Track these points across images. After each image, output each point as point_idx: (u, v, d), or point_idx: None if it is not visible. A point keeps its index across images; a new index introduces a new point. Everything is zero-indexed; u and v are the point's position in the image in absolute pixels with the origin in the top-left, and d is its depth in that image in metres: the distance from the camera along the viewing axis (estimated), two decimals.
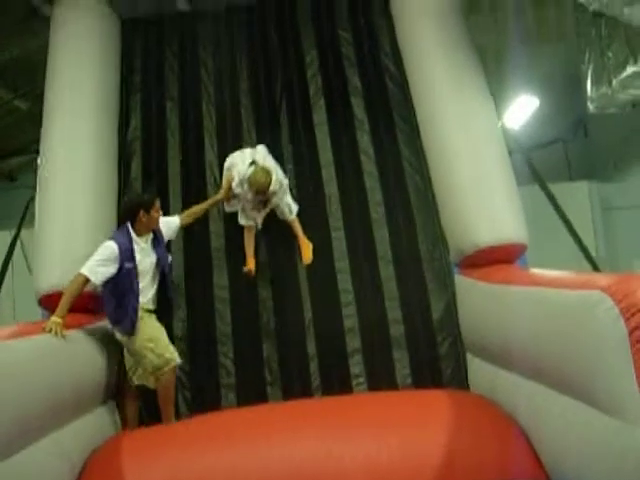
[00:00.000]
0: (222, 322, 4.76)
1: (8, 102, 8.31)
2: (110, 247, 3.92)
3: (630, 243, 7.88)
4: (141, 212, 4.03)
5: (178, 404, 4.43)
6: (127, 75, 5.57)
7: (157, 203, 4.13)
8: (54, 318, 3.67)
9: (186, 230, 4.73)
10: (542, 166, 10.41)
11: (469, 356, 4.41)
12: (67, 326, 3.71)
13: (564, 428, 3.04)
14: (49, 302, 4.14)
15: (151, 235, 4.18)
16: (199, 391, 4.58)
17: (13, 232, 6.20)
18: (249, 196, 4.61)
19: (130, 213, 4.06)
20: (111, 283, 3.94)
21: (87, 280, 3.85)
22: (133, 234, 4.03)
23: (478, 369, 4.26)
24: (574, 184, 8.17)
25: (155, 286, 4.19)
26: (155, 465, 3.37)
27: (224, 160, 4.92)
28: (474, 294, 4.24)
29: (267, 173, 4.52)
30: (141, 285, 4.05)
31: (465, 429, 3.40)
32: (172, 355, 4.02)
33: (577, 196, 7.86)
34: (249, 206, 4.71)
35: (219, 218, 5.01)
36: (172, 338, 4.39)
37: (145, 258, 4.09)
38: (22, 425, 2.97)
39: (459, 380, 4.41)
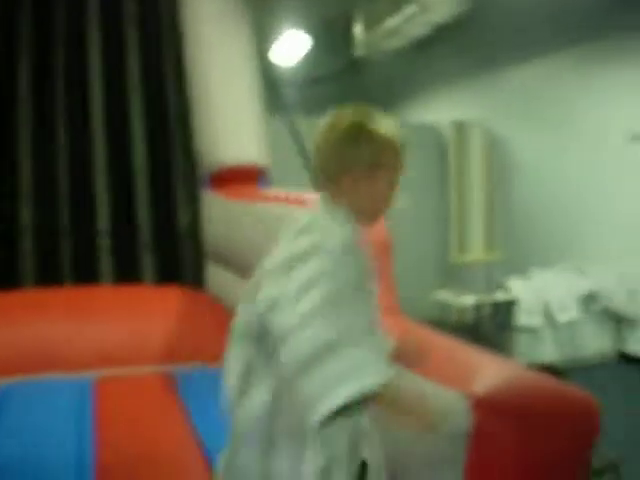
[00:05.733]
0: None
1: None
2: None
3: None
4: None
5: None
6: None
7: None
8: None
9: None
10: (316, 101, 11.19)
11: (208, 261, 4.96)
12: None
13: None
14: None
15: None
16: None
17: None
18: None
19: None
20: None
21: None
22: None
23: (214, 273, 4.84)
24: None
25: None
26: None
27: None
28: (214, 207, 4.80)
29: None
30: None
31: (187, 319, 4.04)
32: None
33: None
34: None
35: None
36: None
37: None
38: None
39: (198, 282, 4.97)
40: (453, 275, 8.75)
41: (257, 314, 1.67)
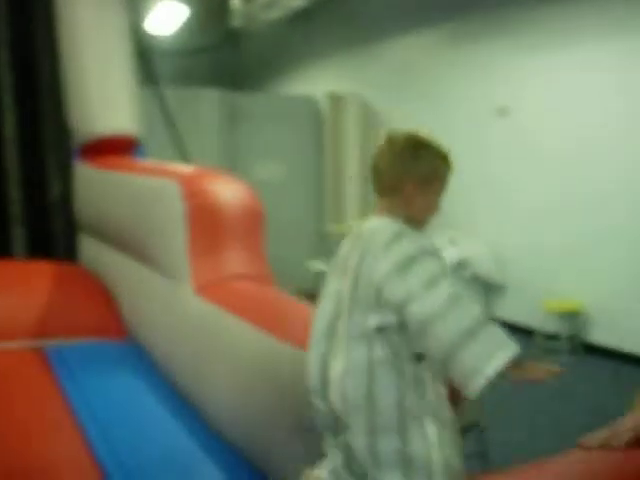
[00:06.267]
0: None
1: None
2: None
3: (251, 151, 8.72)
4: None
5: None
6: None
7: None
8: None
9: None
10: (193, 72, 11.10)
11: (81, 234, 4.89)
12: None
13: (141, 293, 3.74)
14: None
15: None
16: None
17: None
18: None
19: None
20: None
21: None
22: None
23: (87, 246, 4.79)
24: (207, 91, 8.66)
25: None
26: None
27: None
28: (86, 178, 4.71)
29: None
30: None
31: (61, 293, 3.98)
32: None
33: (208, 103, 8.45)
34: None
35: None
36: None
37: None
38: None
39: (70, 255, 4.90)
40: (328, 245, 8.89)
41: (387, 312, 1.77)
